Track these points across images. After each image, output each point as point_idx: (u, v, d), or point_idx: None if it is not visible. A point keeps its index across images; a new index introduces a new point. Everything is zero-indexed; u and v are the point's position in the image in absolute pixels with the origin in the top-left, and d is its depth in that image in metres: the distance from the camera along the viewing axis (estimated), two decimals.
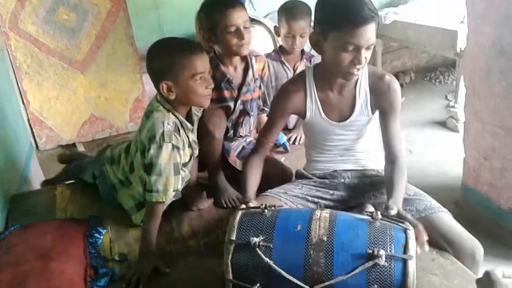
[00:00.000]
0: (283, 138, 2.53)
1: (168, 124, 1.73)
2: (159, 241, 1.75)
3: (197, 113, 1.92)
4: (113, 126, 4.16)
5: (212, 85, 1.79)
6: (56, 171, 3.63)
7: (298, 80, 1.78)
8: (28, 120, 3.89)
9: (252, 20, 4.05)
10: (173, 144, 1.72)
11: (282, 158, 2.41)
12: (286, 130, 2.72)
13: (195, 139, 1.89)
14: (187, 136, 1.84)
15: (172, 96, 1.76)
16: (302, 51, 2.64)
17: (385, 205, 1.48)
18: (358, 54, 1.52)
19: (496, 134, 2.43)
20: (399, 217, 1.41)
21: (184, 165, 1.86)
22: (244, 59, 2.16)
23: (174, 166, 1.74)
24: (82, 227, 1.89)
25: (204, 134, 1.96)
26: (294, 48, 2.57)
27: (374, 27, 1.50)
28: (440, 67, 5.26)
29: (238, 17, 1.97)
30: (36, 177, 2.97)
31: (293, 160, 2.39)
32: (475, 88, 2.52)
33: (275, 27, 2.66)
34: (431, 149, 3.59)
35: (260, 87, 2.26)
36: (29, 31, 3.75)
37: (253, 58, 2.18)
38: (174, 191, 1.76)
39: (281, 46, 2.71)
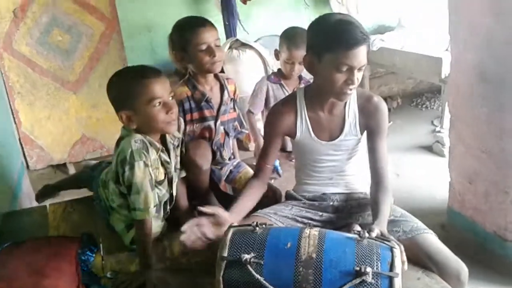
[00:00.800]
0: (275, 162, 2.55)
1: (135, 142, 1.70)
2: None
3: (172, 141, 1.92)
4: (104, 147, 4.19)
5: (174, 109, 1.76)
6: None
7: (289, 101, 1.84)
8: (19, 139, 3.91)
9: (243, 45, 4.14)
10: (144, 162, 1.70)
11: (271, 180, 2.45)
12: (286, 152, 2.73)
13: (168, 159, 1.87)
14: (159, 156, 1.83)
15: (133, 126, 1.74)
16: (300, 76, 2.72)
17: (368, 227, 1.52)
18: (351, 75, 1.59)
19: (479, 158, 2.50)
20: (382, 238, 1.46)
21: (159, 183, 1.85)
22: (218, 79, 2.23)
23: (150, 183, 1.74)
24: (74, 244, 1.91)
25: (191, 167, 2.01)
26: (292, 74, 2.65)
27: (366, 49, 1.59)
28: (427, 93, 5.37)
29: (209, 36, 2.05)
30: (28, 196, 2.98)
31: (282, 182, 2.43)
32: (459, 113, 2.60)
33: (275, 50, 2.73)
34: (418, 173, 3.65)
35: (235, 109, 2.32)
36: (23, 52, 3.80)
37: (225, 80, 2.25)
38: (154, 206, 1.77)
39: (279, 70, 2.78)
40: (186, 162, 2.02)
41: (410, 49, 4.19)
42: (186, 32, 2.07)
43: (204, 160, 2.02)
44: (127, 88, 1.71)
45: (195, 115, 2.16)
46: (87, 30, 3.93)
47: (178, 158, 1.99)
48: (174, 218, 2.05)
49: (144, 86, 1.69)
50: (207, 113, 2.18)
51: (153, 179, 1.78)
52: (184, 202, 2.09)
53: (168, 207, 2.00)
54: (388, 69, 4.81)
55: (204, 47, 2.05)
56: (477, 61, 2.39)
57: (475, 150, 2.52)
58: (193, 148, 2.02)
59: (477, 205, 2.58)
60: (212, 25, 2.12)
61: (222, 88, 2.23)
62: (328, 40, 1.60)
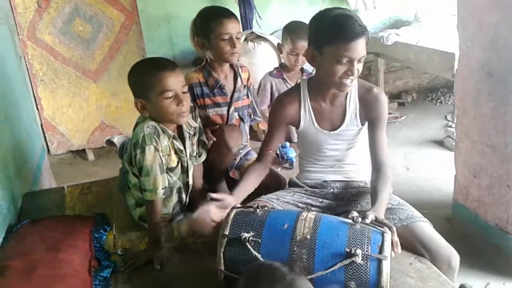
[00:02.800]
0: (292, 153, 2.62)
1: (147, 127, 1.80)
2: None
3: (188, 130, 2.00)
4: (122, 134, 4.31)
5: (185, 103, 1.83)
6: (66, 175, 3.81)
7: (293, 91, 1.93)
8: (41, 125, 4.06)
9: (258, 37, 4.21)
10: (154, 146, 1.80)
11: (278, 168, 2.53)
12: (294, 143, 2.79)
13: (181, 147, 1.96)
14: (172, 143, 1.92)
15: (146, 114, 1.85)
16: (302, 69, 2.79)
17: (364, 213, 1.59)
18: (351, 66, 1.67)
19: (484, 152, 2.54)
20: (375, 223, 1.53)
21: (171, 170, 1.95)
22: (232, 68, 2.32)
23: (160, 166, 1.83)
24: (88, 223, 2.04)
25: (222, 147, 2.11)
26: (295, 65, 2.73)
27: (364, 41, 1.66)
28: (442, 88, 5.39)
29: (232, 27, 2.14)
30: (47, 178, 3.12)
31: (288, 170, 2.53)
32: (466, 108, 2.64)
33: (278, 44, 2.80)
34: (428, 167, 3.69)
35: (248, 96, 2.41)
36: (46, 41, 3.94)
37: (239, 68, 2.34)
38: (163, 189, 1.86)
39: (282, 64, 2.85)
40: (218, 142, 2.12)
41: (425, 44, 4.21)
42: (211, 21, 2.16)
43: (235, 144, 2.12)
44: (142, 79, 1.82)
45: (207, 100, 2.25)
46: (107, 20, 4.05)
47: (195, 147, 2.07)
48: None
49: (157, 79, 1.78)
50: (220, 99, 2.27)
51: (164, 165, 1.88)
52: (199, 184, 2.19)
53: (185, 197, 2.09)
54: (402, 64, 4.83)
55: (226, 37, 2.14)
56: (483, 57, 2.43)
57: (480, 145, 2.57)
58: (228, 130, 2.12)
59: (481, 198, 2.63)
60: (236, 17, 2.21)
61: (235, 76, 2.32)
62: (328, 34, 1.68)
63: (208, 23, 2.17)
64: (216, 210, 1.70)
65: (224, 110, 2.28)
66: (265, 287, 1.15)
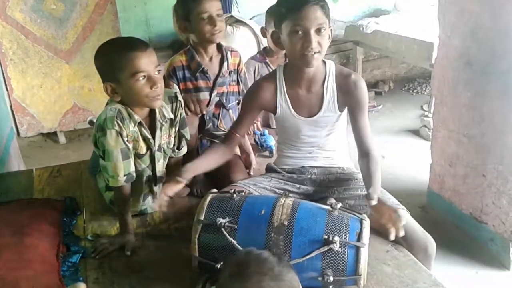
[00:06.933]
0: (271, 140, 2.57)
1: (110, 110, 1.69)
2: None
3: (161, 120, 1.86)
4: (95, 117, 4.21)
5: (159, 84, 1.70)
6: (36, 158, 3.70)
7: (270, 77, 1.89)
8: (11, 106, 3.93)
9: (237, 22, 4.15)
10: (116, 130, 1.69)
11: (255, 155, 2.48)
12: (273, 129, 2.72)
13: (148, 136, 1.82)
14: (140, 130, 1.80)
15: (117, 98, 1.72)
16: (285, 54, 2.73)
17: (366, 194, 1.57)
18: (307, 36, 1.63)
19: (460, 142, 2.55)
20: (380, 204, 1.53)
21: (139, 156, 1.85)
22: (220, 51, 2.24)
23: (122, 152, 1.72)
24: (57, 207, 1.97)
25: None
26: (279, 50, 2.67)
27: (318, 9, 1.62)
28: (419, 78, 5.42)
29: (210, 5, 2.07)
30: (15, 161, 3.02)
31: (267, 158, 2.49)
32: (443, 97, 2.65)
33: (262, 28, 2.74)
34: (403, 156, 3.72)
35: (238, 83, 2.33)
36: (17, 18, 3.81)
37: (229, 53, 2.27)
38: (125, 175, 1.75)
39: (265, 48, 2.79)
40: None
41: (403, 33, 4.20)
42: (189, 2, 2.10)
43: (190, 128, 2.07)
44: (112, 60, 1.67)
45: (189, 84, 2.18)
46: None
47: (172, 139, 1.96)
48: None
49: (128, 60, 1.64)
50: (202, 83, 2.20)
51: (131, 150, 1.77)
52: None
53: (154, 187, 1.97)
54: (381, 53, 4.83)
55: (205, 16, 2.06)
56: (463, 46, 2.43)
57: (456, 134, 2.58)
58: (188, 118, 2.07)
59: (456, 187, 2.65)
60: None
61: (222, 60, 2.24)
62: (281, 8, 1.67)
63: (186, 5, 2.11)
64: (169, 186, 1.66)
65: (206, 95, 2.21)
66: (253, 279, 1.08)
